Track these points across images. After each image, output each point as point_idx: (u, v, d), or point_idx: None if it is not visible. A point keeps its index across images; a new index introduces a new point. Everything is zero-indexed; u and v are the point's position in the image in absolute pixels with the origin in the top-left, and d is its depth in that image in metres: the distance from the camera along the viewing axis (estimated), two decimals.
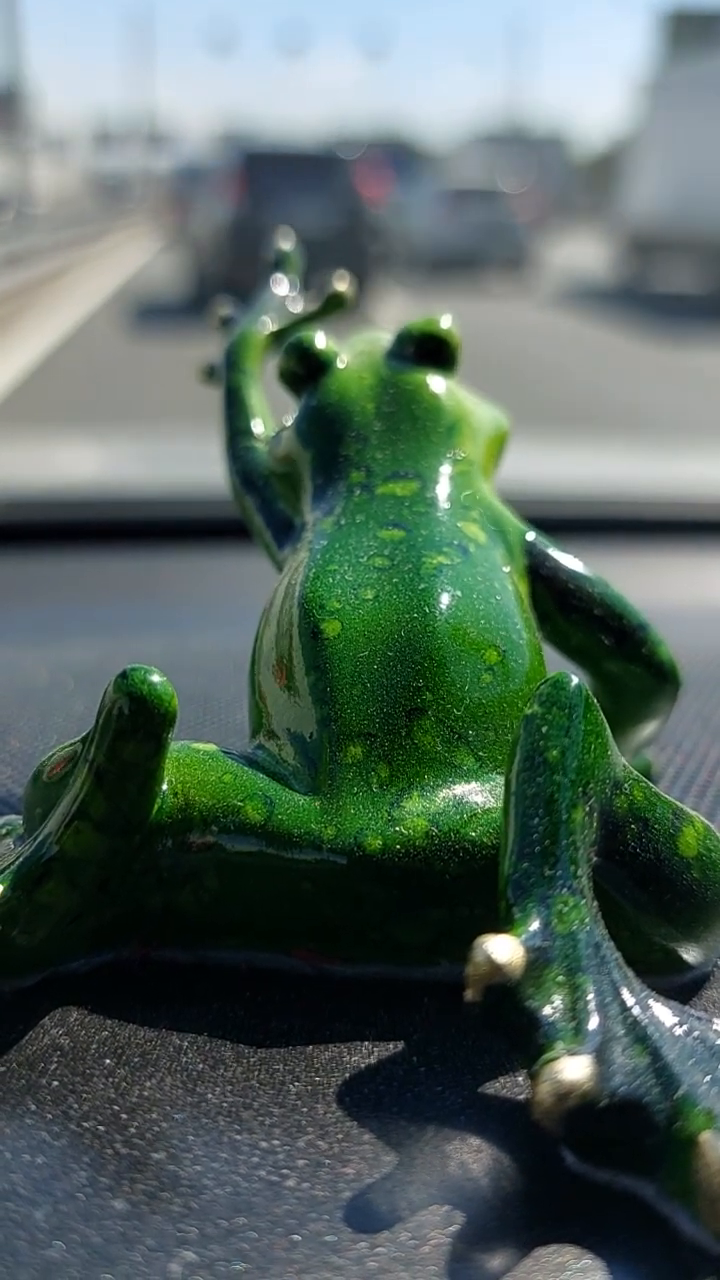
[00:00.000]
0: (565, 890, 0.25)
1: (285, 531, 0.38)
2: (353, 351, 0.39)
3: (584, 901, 0.25)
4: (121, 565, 0.74)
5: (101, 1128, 0.24)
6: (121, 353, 5.76)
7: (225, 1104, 0.25)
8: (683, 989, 0.29)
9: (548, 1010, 0.23)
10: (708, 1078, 0.22)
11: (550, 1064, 0.22)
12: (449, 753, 0.30)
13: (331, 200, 7.54)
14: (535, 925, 0.24)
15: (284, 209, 7.16)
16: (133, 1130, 0.24)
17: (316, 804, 0.29)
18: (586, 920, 0.25)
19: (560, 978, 0.24)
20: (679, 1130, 0.21)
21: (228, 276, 7.34)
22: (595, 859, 0.27)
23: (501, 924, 0.25)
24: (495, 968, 0.23)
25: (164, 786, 0.29)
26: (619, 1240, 0.22)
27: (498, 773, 0.30)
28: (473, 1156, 0.24)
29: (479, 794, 0.29)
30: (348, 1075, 0.26)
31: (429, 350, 0.38)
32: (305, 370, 0.39)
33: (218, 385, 0.45)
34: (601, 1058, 0.22)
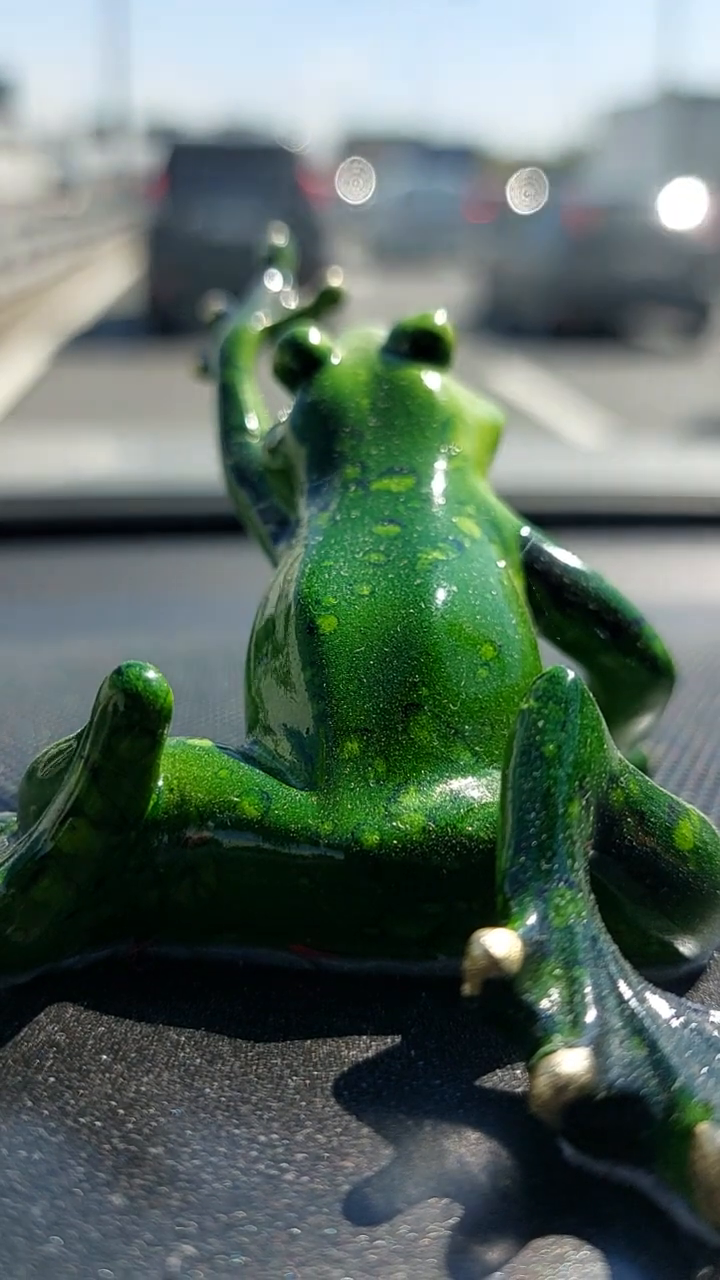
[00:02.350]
0: (562, 884, 0.25)
1: (280, 527, 0.38)
2: (347, 347, 0.39)
3: (581, 895, 0.25)
4: (116, 561, 0.74)
5: (99, 1123, 0.24)
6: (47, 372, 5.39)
7: (223, 1099, 0.25)
8: (679, 981, 0.29)
9: (545, 1003, 0.23)
10: (704, 1069, 0.22)
11: (548, 1057, 0.22)
12: (445, 748, 0.30)
13: (270, 200, 6.47)
14: (532, 919, 0.24)
15: (212, 210, 6.54)
16: (130, 1125, 0.24)
17: (313, 799, 0.29)
18: (583, 914, 0.25)
19: (558, 971, 0.24)
20: (676, 1122, 0.21)
21: (151, 289, 6.79)
22: (592, 853, 0.27)
23: (499, 918, 0.25)
24: (493, 961, 0.23)
25: (159, 782, 0.29)
26: (617, 1231, 0.22)
27: (494, 767, 0.30)
28: (471, 1149, 0.24)
29: (476, 789, 0.29)
30: (346, 1069, 0.26)
31: (423, 346, 0.38)
32: (300, 366, 0.39)
33: (211, 381, 0.45)
34: (599, 1050, 0.22)
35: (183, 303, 6.13)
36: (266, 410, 0.43)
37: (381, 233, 14.82)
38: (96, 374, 5.29)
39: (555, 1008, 0.23)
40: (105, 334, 6.87)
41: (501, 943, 0.23)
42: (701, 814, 0.29)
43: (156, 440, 1.26)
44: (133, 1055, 0.26)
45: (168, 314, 6.43)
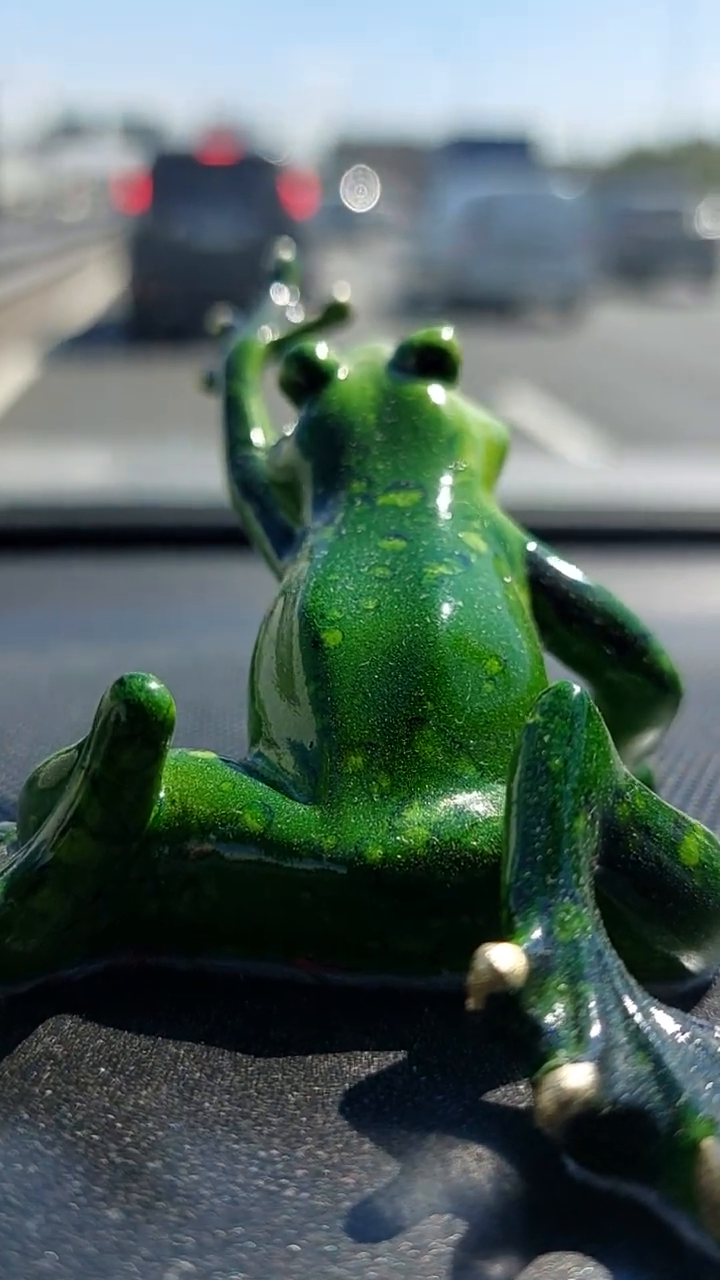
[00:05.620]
0: (567, 899, 0.25)
1: (285, 541, 0.38)
2: (354, 362, 0.39)
3: (586, 910, 0.25)
4: (121, 572, 0.74)
5: (96, 1136, 0.24)
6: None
7: (223, 1113, 0.25)
8: (684, 997, 0.29)
9: (550, 1018, 0.23)
10: (710, 1085, 0.22)
11: (552, 1072, 0.22)
12: (450, 762, 0.30)
13: (250, 210, 6.61)
14: (537, 934, 0.24)
15: (194, 220, 6.59)
16: (128, 1139, 0.24)
17: (316, 813, 0.29)
18: (588, 928, 0.25)
19: (562, 986, 0.24)
20: (681, 1137, 0.21)
21: (134, 299, 6.84)
22: (597, 867, 0.26)
23: (503, 933, 0.24)
24: (497, 976, 0.23)
25: (161, 794, 0.28)
26: (621, 1248, 0.21)
27: (499, 782, 0.29)
28: (474, 1165, 0.23)
29: (480, 803, 0.29)
30: (347, 1084, 0.26)
31: (430, 361, 0.38)
32: (306, 380, 0.39)
33: (217, 394, 0.45)
34: (604, 1065, 0.22)
35: (166, 310, 6.19)
36: (272, 424, 0.43)
37: (432, 258, 9.08)
38: (82, 382, 5.28)
39: (560, 1023, 0.23)
40: (89, 342, 6.87)
41: (506, 957, 0.23)
42: (707, 829, 0.29)
43: (158, 450, 1.26)
44: (131, 1068, 0.26)
45: (152, 321, 6.48)
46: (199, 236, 6.56)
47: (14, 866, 0.28)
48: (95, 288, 9.61)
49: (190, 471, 0.91)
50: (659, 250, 11.69)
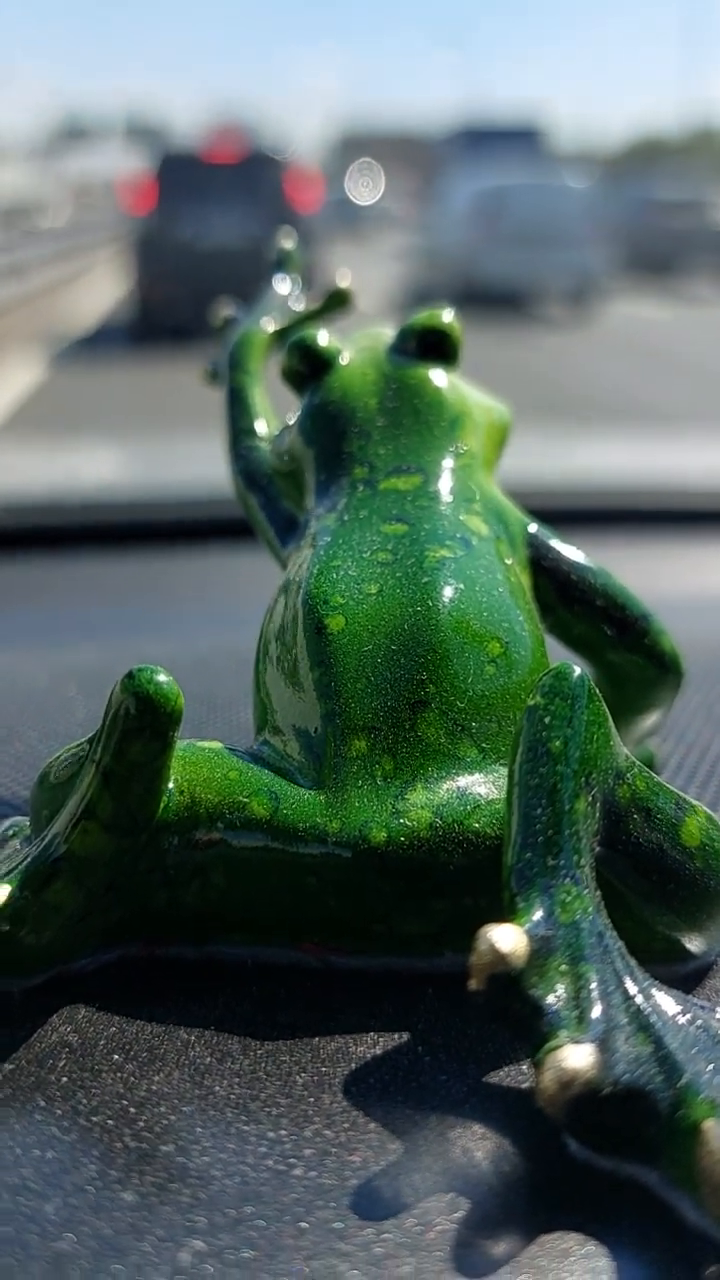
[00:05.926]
0: (568, 880, 0.25)
1: (289, 529, 0.38)
2: (355, 348, 0.39)
3: (587, 891, 0.25)
4: (126, 567, 0.75)
5: (110, 1122, 0.25)
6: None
7: (233, 1096, 0.25)
8: (685, 978, 0.29)
9: (551, 999, 0.23)
10: (710, 1066, 0.22)
11: (554, 1052, 0.22)
12: (452, 745, 0.30)
13: (256, 207, 6.64)
14: (539, 915, 0.24)
15: (200, 219, 6.63)
16: (141, 1124, 0.25)
17: (321, 798, 0.29)
18: (590, 910, 0.25)
19: (564, 967, 0.24)
20: (682, 1118, 0.22)
21: (140, 299, 6.88)
22: (598, 849, 0.27)
23: (505, 914, 0.25)
24: (499, 957, 0.23)
25: (170, 785, 0.29)
26: (622, 1227, 0.22)
27: (501, 764, 0.30)
28: (477, 1144, 0.24)
29: (482, 785, 0.29)
30: (354, 1066, 0.26)
31: (431, 345, 0.38)
32: (308, 368, 0.39)
33: (220, 386, 0.45)
34: (605, 1046, 0.23)
35: (172, 309, 6.21)
36: (275, 413, 0.43)
37: (440, 250, 8.72)
38: (90, 382, 5.28)
39: (561, 1003, 0.23)
40: (96, 343, 6.87)
41: (507, 938, 0.23)
42: (708, 810, 0.29)
43: (160, 445, 1.26)
44: (144, 1055, 0.27)
45: (158, 321, 6.50)
46: (204, 235, 6.58)
47: (28, 860, 0.28)
48: (104, 290, 9.50)
49: (192, 465, 0.92)
50: (680, 242, 11.22)
